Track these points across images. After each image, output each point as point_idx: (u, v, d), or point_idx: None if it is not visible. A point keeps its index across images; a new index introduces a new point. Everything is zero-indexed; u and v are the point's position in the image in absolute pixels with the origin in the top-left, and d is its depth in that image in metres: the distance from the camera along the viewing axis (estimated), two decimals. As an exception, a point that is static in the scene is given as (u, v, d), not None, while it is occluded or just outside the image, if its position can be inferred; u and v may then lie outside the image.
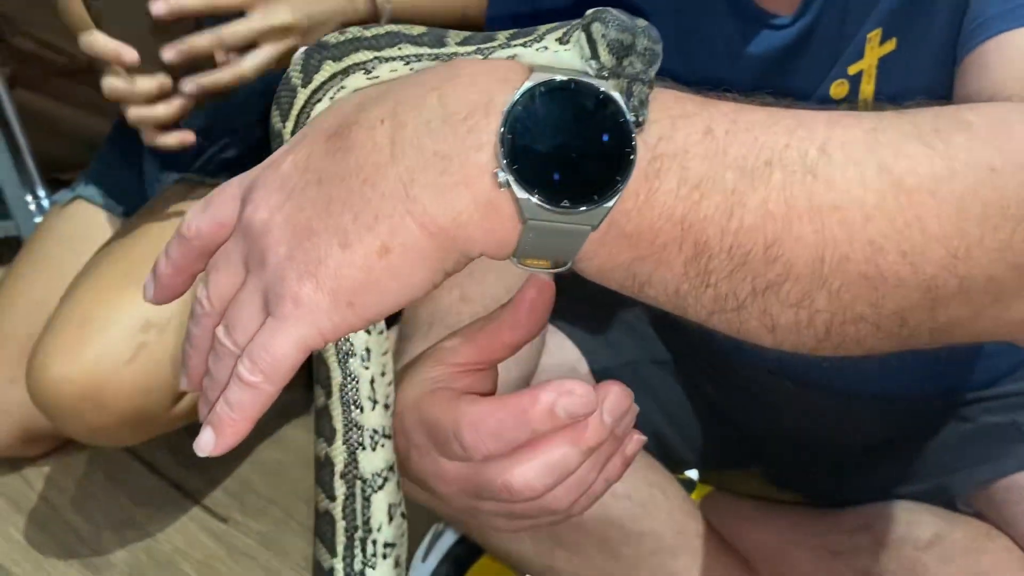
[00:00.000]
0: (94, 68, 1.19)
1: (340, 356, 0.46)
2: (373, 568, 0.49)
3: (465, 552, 0.85)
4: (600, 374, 0.82)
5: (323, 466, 0.47)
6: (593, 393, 0.39)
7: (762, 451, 0.90)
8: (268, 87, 0.49)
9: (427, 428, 0.43)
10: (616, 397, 0.41)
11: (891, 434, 0.78)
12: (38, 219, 1.37)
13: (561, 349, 0.83)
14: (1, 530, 1.05)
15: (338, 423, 0.46)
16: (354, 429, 0.47)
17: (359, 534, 0.48)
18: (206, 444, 0.37)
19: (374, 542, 0.49)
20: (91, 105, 2.00)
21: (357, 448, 0.47)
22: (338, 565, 0.48)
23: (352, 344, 0.46)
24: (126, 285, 0.88)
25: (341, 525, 0.48)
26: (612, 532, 0.74)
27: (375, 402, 0.47)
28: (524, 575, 0.90)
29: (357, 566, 0.49)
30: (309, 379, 0.48)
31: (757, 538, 0.80)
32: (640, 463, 0.77)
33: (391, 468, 0.48)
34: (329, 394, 0.46)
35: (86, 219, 1.09)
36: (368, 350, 0.46)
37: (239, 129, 0.97)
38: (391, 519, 0.49)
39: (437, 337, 0.62)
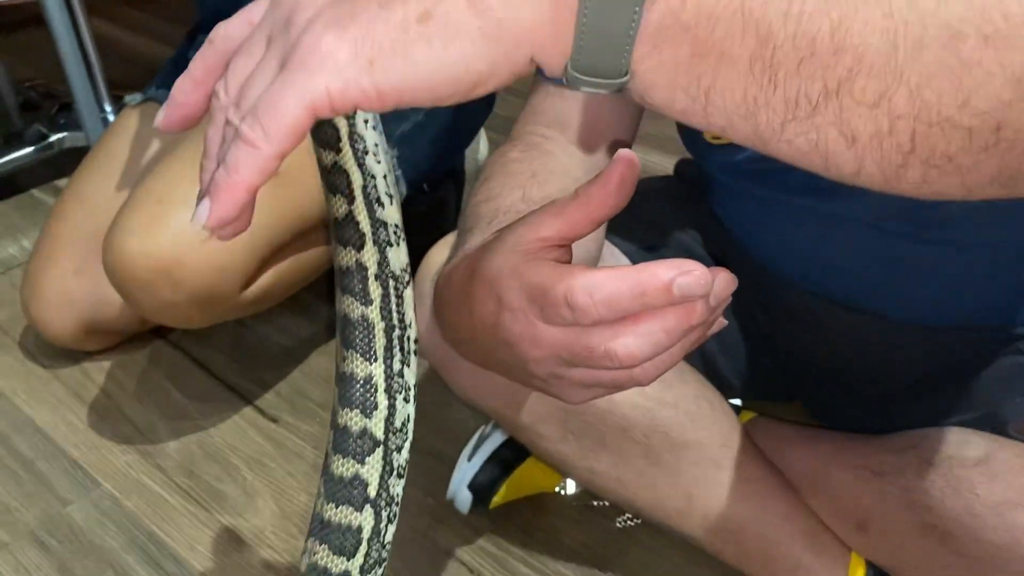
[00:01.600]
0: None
1: (357, 157, 0.47)
2: (408, 366, 0.50)
3: (511, 454, 0.87)
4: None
5: (353, 274, 0.48)
6: (710, 275, 0.40)
7: (807, 383, 0.90)
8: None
9: (530, 292, 0.44)
10: (724, 282, 0.41)
11: (941, 365, 0.78)
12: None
13: (614, 263, 0.83)
14: (62, 416, 1.09)
15: (365, 225, 0.47)
16: (381, 227, 0.48)
17: (396, 332, 0.49)
18: (200, 214, 0.35)
19: (408, 338, 0.50)
20: (155, 33, 2.04)
21: (386, 246, 0.48)
22: (378, 369, 0.49)
23: (365, 142, 0.47)
24: None
25: (380, 327, 0.49)
26: (657, 439, 0.75)
27: (391, 196, 0.48)
28: (567, 477, 0.92)
29: (396, 366, 0.50)
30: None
31: (798, 460, 0.80)
32: (690, 376, 0.78)
33: (409, 267, 0.50)
34: (352, 199, 0.47)
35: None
36: (376, 145, 0.47)
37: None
38: (414, 315, 0.50)
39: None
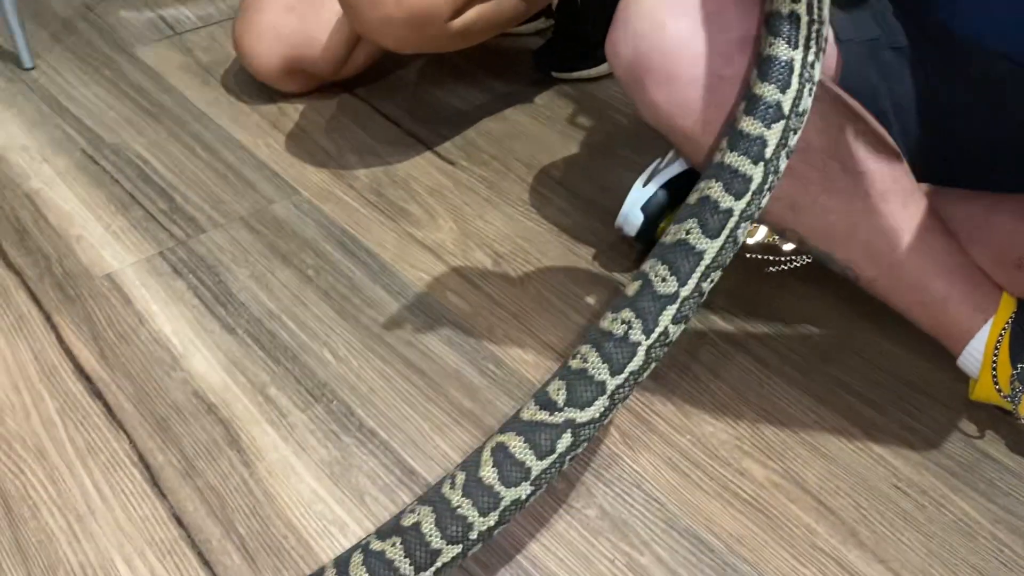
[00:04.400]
0: None
1: None
2: (819, 60, 0.63)
3: (685, 184, 0.94)
4: (842, 44, 0.87)
5: None
6: None
7: (981, 159, 0.93)
8: None
9: None
10: None
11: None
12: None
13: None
14: (262, 140, 1.21)
15: None
16: None
17: (815, 27, 0.61)
18: None
19: (822, 33, 0.61)
20: None
21: None
22: (798, 55, 0.61)
23: None
24: None
25: (807, 19, 0.61)
26: (835, 166, 0.80)
27: None
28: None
29: (810, 57, 0.62)
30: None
31: (960, 209, 0.85)
32: (873, 119, 0.83)
33: None
34: None
35: None
36: None
37: None
38: (829, 16, 0.62)
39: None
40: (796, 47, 0.61)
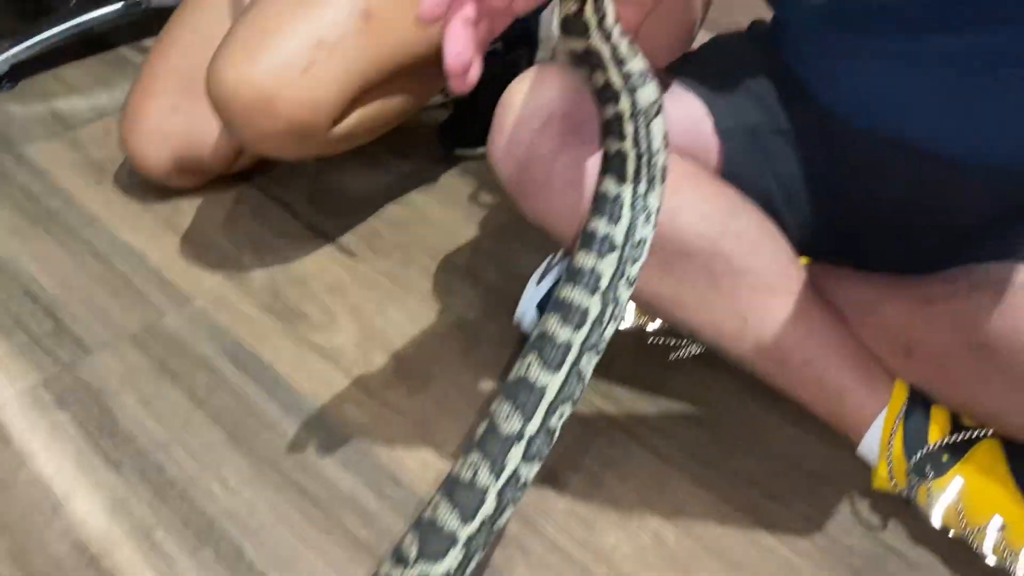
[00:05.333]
0: None
1: (604, 35, 0.58)
2: (653, 191, 0.62)
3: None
4: (723, 132, 0.87)
5: (613, 122, 0.60)
6: None
7: (866, 236, 0.94)
8: None
9: None
10: None
11: (1005, 208, 0.81)
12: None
13: (688, 103, 0.87)
14: (155, 243, 1.17)
15: (616, 79, 0.59)
16: (628, 78, 0.60)
17: (645, 158, 0.60)
18: None
19: (655, 164, 0.61)
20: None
21: (634, 90, 0.59)
22: (627, 189, 0.61)
23: (608, 26, 0.58)
24: (303, 4, 0.95)
25: (633, 154, 0.60)
26: (719, 265, 0.80)
27: (636, 51, 0.60)
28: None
29: (642, 189, 0.61)
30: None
31: (851, 294, 0.84)
32: (755, 210, 0.83)
33: (658, 101, 0.60)
34: (605, 69, 0.59)
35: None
36: (616, 21, 0.58)
37: None
38: (664, 144, 0.61)
39: None
40: (625, 181, 0.61)
